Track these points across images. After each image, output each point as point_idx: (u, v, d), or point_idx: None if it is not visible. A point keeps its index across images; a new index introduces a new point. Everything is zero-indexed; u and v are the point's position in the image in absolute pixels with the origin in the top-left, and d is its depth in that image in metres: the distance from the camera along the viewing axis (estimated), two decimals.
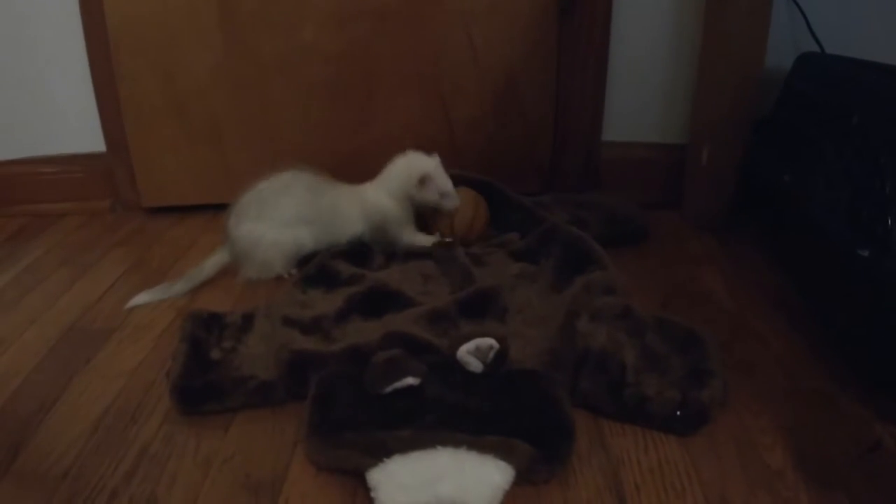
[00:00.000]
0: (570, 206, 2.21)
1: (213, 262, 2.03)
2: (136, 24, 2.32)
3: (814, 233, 1.74)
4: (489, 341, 1.49)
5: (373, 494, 1.26)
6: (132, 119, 2.43)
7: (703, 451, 1.40)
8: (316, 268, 1.96)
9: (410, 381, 1.44)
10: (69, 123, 2.54)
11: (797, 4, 2.19)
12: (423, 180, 2.01)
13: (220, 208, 2.09)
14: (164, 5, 2.29)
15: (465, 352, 1.49)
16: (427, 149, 2.12)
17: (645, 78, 2.35)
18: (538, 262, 1.93)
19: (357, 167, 2.23)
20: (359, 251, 2.05)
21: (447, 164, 2.10)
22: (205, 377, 1.54)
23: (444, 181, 2.02)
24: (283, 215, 1.99)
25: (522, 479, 1.30)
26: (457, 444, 1.29)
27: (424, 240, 2.09)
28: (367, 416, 1.41)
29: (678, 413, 1.42)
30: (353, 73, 2.36)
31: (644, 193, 2.37)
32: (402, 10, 2.28)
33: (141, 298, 1.94)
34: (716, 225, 2.27)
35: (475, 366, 1.49)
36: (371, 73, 2.35)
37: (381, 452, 1.27)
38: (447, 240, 2.06)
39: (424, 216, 2.13)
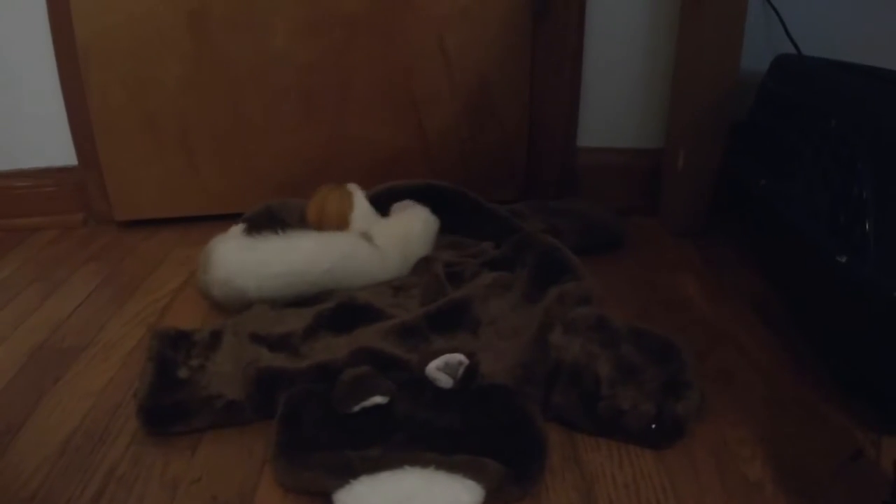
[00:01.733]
0: (545, 214, 2.19)
1: None
2: (105, 37, 2.30)
3: (792, 238, 1.74)
4: (458, 357, 1.47)
5: None
6: (103, 132, 2.41)
7: (680, 464, 1.38)
8: None
9: (378, 399, 1.43)
10: (40, 137, 2.52)
11: (772, 6, 2.19)
12: None
13: (193, 221, 2.08)
14: (133, 16, 2.27)
15: (434, 368, 1.47)
16: (401, 157, 2.11)
17: (620, 82, 2.34)
18: (513, 272, 1.91)
19: (330, 176, 2.22)
20: None
21: (424, 173, 2.12)
22: (172, 397, 1.52)
23: None
24: None
25: (493, 498, 1.28)
26: (425, 463, 1.27)
27: None
28: (335, 435, 1.39)
29: (653, 426, 1.41)
30: (326, 81, 2.35)
31: (621, 198, 2.36)
32: (373, 17, 2.27)
33: None
34: (693, 230, 2.26)
35: (445, 382, 1.47)
36: (343, 80, 2.34)
37: (349, 474, 1.25)
38: None
39: None
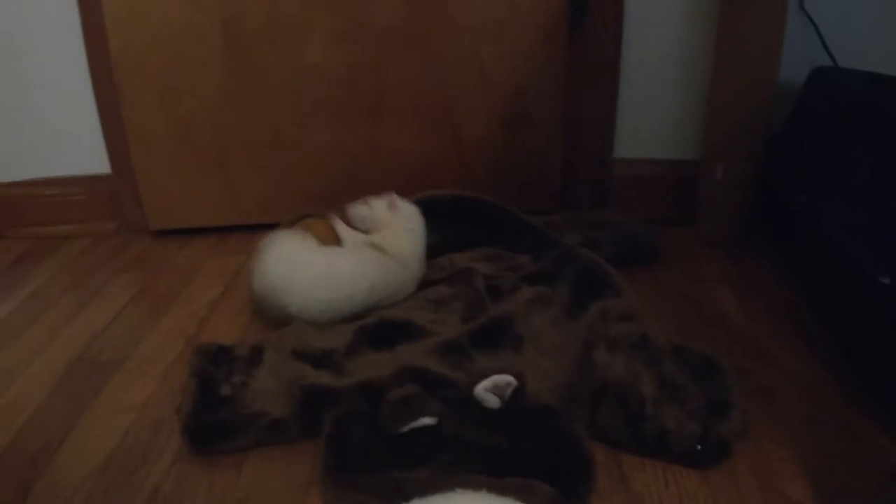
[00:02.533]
0: (581, 227, 2.19)
1: None
2: (139, 48, 2.30)
3: (832, 255, 1.73)
4: (506, 378, 1.48)
5: None
6: (137, 142, 2.41)
7: (724, 484, 1.38)
8: None
9: (427, 420, 1.43)
10: (74, 146, 2.52)
11: (810, 18, 2.18)
12: None
13: (226, 231, 2.08)
14: (167, 28, 2.28)
15: (483, 389, 1.48)
16: (437, 168, 2.14)
17: (656, 93, 2.33)
18: (552, 287, 1.90)
19: (365, 188, 2.22)
20: None
21: (459, 184, 2.15)
22: (216, 415, 1.52)
23: None
24: None
25: None
26: (476, 486, 1.25)
27: None
28: (383, 456, 1.39)
29: (698, 447, 1.40)
30: (360, 93, 2.35)
31: (655, 210, 2.36)
32: (409, 28, 2.26)
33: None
34: (729, 242, 2.25)
35: (492, 402, 1.48)
36: (378, 92, 2.34)
37: (399, 496, 1.22)
38: None
39: None
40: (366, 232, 2.01)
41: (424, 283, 1.99)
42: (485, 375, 1.50)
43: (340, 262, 1.88)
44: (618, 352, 1.58)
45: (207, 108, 2.37)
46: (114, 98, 2.37)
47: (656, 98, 2.33)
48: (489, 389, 1.47)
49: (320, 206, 2.20)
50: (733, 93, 2.14)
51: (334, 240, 2.00)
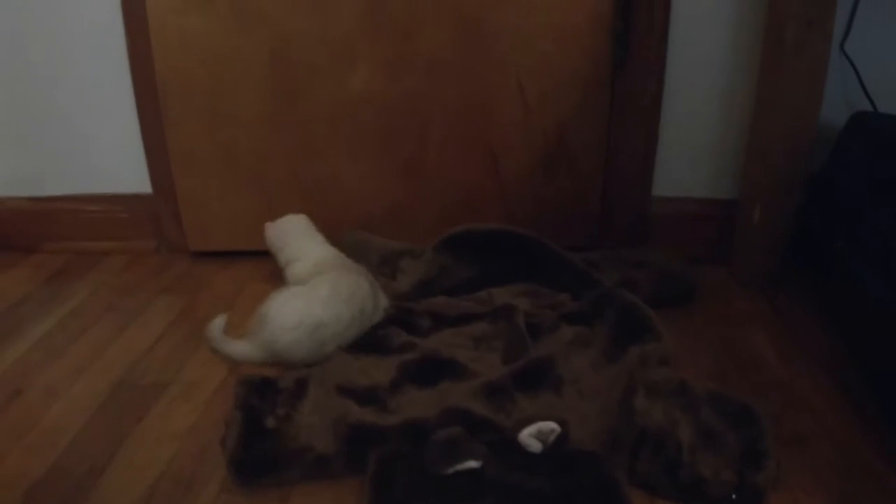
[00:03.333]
0: (620, 265, 2.20)
1: None
2: (185, 73, 2.33)
3: (867, 301, 1.73)
4: (551, 425, 1.51)
5: None
6: (180, 163, 2.44)
7: None
8: (364, 337, 1.94)
9: (472, 464, 1.46)
10: (116, 164, 2.55)
11: (849, 60, 2.19)
12: None
13: (265, 255, 2.10)
14: (214, 54, 2.31)
15: (527, 435, 1.50)
16: (477, 201, 2.23)
17: (697, 133, 2.34)
18: (591, 327, 1.92)
19: (405, 217, 2.25)
20: (402, 316, 2.03)
21: (498, 217, 2.20)
22: (262, 448, 1.54)
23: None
24: None
25: None
26: None
27: None
28: (428, 497, 1.42)
29: (733, 496, 1.42)
30: (404, 123, 2.36)
31: (692, 248, 2.36)
32: (454, 61, 2.28)
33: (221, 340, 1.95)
34: (766, 283, 2.26)
35: (535, 447, 1.50)
36: (422, 122, 2.35)
37: None
38: None
39: None
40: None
41: (465, 317, 2.00)
42: (530, 421, 1.52)
43: (340, 312, 1.90)
44: (657, 398, 1.59)
45: (251, 133, 2.39)
46: (157, 119, 2.40)
47: (696, 138, 2.34)
48: (533, 435, 1.49)
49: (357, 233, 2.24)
50: (774, 135, 2.15)
51: None
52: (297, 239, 2.18)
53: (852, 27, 2.17)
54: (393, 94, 2.33)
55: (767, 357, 1.95)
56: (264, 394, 1.68)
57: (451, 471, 1.45)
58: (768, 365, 1.91)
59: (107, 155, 2.54)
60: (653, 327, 1.85)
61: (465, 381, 1.72)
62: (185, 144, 2.42)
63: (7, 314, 2.25)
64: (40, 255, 2.61)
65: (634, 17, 2.19)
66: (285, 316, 1.85)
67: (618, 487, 1.43)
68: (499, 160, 2.38)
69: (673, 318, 1.99)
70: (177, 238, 2.54)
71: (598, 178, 2.39)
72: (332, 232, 2.29)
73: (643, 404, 1.58)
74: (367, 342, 1.90)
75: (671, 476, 1.46)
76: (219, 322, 1.97)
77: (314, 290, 1.91)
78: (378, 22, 2.25)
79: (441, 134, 2.37)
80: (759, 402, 1.61)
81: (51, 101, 2.49)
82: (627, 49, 2.21)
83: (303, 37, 2.28)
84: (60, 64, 2.43)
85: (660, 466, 1.47)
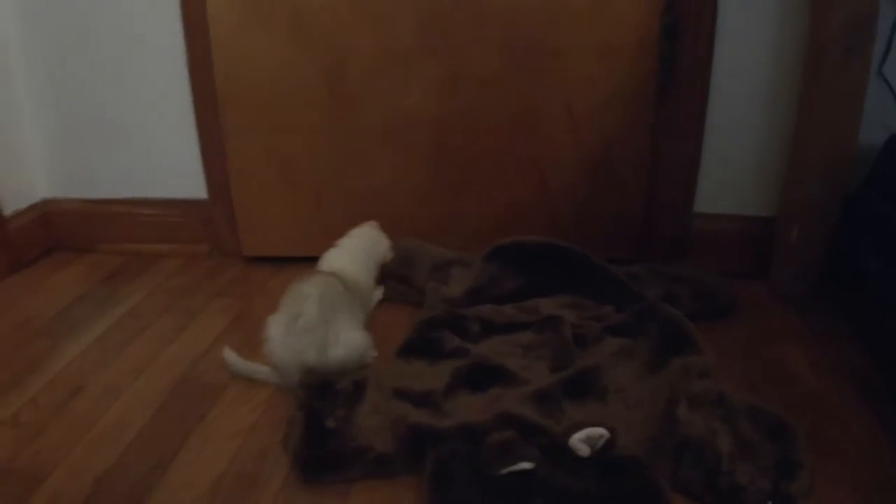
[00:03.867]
0: (662, 280, 2.25)
1: None
2: (245, 85, 2.41)
3: None
4: (600, 431, 1.56)
5: None
6: (237, 171, 2.52)
7: None
8: (417, 338, 2.00)
9: (526, 465, 1.52)
10: (171, 169, 2.63)
11: (887, 83, 2.22)
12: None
13: (315, 261, 2.16)
14: (273, 69, 2.39)
15: (578, 439, 1.56)
16: (522, 214, 2.33)
17: (738, 152, 2.38)
18: (635, 339, 1.98)
19: (453, 229, 2.34)
20: (453, 319, 2.08)
21: (543, 230, 2.26)
22: (324, 447, 1.61)
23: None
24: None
25: None
26: None
27: (379, 293, 2.31)
28: (483, 496, 1.48)
29: (769, 503, 1.47)
30: (454, 139, 2.42)
31: (729, 263, 2.41)
32: (505, 80, 2.33)
33: (237, 363, 1.97)
34: (802, 300, 2.30)
35: (583, 451, 1.56)
36: (472, 138, 2.41)
37: None
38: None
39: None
40: None
41: (513, 326, 2.07)
42: (580, 426, 1.58)
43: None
44: (698, 408, 1.64)
45: (307, 144, 2.46)
46: (215, 127, 2.48)
47: (737, 156, 2.38)
48: (583, 440, 1.55)
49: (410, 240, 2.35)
50: (813, 156, 2.20)
51: None
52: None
53: (890, 51, 2.20)
54: (444, 110, 2.39)
55: (801, 371, 1.99)
56: (324, 396, 1.74)
57: (505, 472, 1.51)
58: (802, 379, 1.96)
59: (163, 160, 2.62)
60: (694, 341, 1.90)
61: (515, 387, 1.78)
62: (243, 152, 2.50)
63: (65, 313, 2.32)
64: (94, 256, 2.69)
65: (680, 41, 2.24)
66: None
67: (661, 492, 1.48)
68: (545, 175, 2.43)
69: (710, 331, 2.04)
70: (230, 243, 2.62)
71: (640, 194, 2.43)
72: None
73: (685, 414, 1.63)
74: (420, 345, 1.97)
75: (711, 483, 1.51)
76: (228, 353, 2.01)
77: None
78: (432, 40, 2.32)
79: (490, 149, 2.43)
80: (793, 415, 1.66)
81: (110, 106, 2.58)
82: (673, 71, 2.26)
83: (359, 54, 2.35)
84: (121, 70, 2.53)
85: (700, 474, 1.53)
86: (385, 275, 2.31)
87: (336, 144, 2.46)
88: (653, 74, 2.29)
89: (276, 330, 1.88)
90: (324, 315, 1.86)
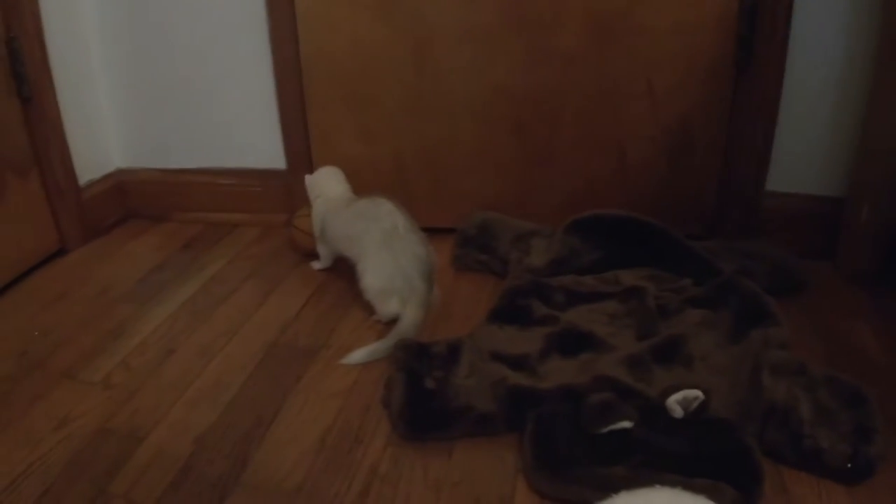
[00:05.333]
0: (736, 256, 2.28)
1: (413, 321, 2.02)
2: (330, 56, 2.47)
3: None
4: (695, 392, 1.63)
5: None
6: (319, 141, 2.58)
7: (867, 498, 1.51)
8: (506, 305, 2.06)
9: (626, 423, 1.58)
10: (249, 139, 2.70)
11: None
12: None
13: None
14: (359, 40, 2.44)
15: (674, 400, 1.62)
16: (600, 189, 2.38)
17: (811, 132, 2.41)
18: (715, 311, 2.02)
19: (532, 202, 2.40)
20: (539, 288, 2.14)
21: (620, 204, 2.31)
22: (425, 406, 1.68)
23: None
24: None
25: None
26: (673, 484, 1.39)
27: None
28: (584, 453, 1.54)
29: (848, 465, 1.54)
30: (538, 112, 2.46)
31: (798, 242, 2.43)
32: (588, 55, 2.37)
33: (358, 356, 1.96)
34: (870, 278, 2.33)
35: (678, 412, 1.62)
36: (555, 112, 2.45)
37: (609, 488, 1.34)
38: None
39: None
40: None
41: (596, 296, 2.12)
42: (677, 389, 1.65)
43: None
44: (780, 377, 1.70)
45: (390, 117, 2.52)
46: (296, 98, 2.54)
47: (810, 136, 2.41)
48: (679, 401, 1.62)
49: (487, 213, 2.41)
50: (885, 136, 2.21)
51: None
52: (323, 182, 2.34)
53: None
54: (528, 85, 2.44)
55: (869, 347, 2.02)
56: (422, 358, 1.81)
57: (605, 430, 1.58)
58: (870, 354, 1.99)
59: (241, 130, 2.69)
60: (772, 313, 1.95)
61: (605, 353, 1.85)
62: (326, 123, 2.56)
63: (146, 279, 2.40)
64: (170, 224, 2.77)
65: (758, 22, 2.27)
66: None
67: (751, 452, 1.54)
68: (624, 150, 2.47)
69: (783, 307, 2.05)
70: None
71: (715, 172, 2.47)
72: (462, 213, 2.46)
73: (769, 381, 1.69)
74: (510, 312, 2.03)
75: (795, 446, 1.58)
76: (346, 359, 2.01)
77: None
78: (519, 16, 2.36)
79: (571, 124, 2.47)
80: (871, 388, 1.71)
81: (187, 76, 2.65)
82: (750, 52, 2.30)
83: (445, 28, 2.40)
84: (203, 42, 2.59)
85: (785, 437, 1.59)
86: (465, 242, 2.38)
87: (419, 118, 2.51)
88: (730, 53, 2.32)
89: (379, 247, 2.02)
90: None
